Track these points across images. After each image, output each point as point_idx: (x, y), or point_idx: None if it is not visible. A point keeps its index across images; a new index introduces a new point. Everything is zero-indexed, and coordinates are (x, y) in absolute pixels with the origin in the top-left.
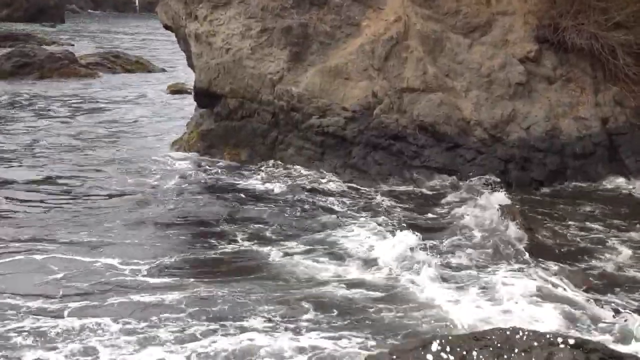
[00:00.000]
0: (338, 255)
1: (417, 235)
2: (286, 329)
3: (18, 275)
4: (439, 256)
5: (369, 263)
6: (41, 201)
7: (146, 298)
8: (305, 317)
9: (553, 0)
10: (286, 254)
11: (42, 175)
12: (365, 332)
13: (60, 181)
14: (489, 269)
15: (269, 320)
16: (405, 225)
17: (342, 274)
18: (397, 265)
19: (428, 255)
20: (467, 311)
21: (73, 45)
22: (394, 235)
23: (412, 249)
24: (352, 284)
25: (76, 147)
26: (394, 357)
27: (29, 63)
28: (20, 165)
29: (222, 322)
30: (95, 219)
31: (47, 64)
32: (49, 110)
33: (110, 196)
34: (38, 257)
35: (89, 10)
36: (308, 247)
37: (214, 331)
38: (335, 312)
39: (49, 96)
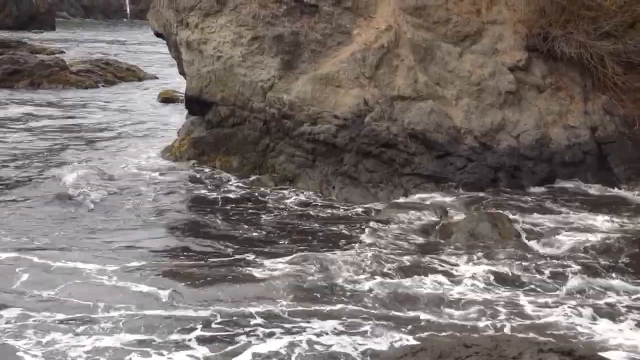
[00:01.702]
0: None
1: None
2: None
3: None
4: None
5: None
6: (28, 207)
7: (144, 311)
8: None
9: (542, 10)
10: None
11: (27, 181)
12: None
13: (41, 185)
14: None
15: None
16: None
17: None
18: None
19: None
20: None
21: (64, 52)
22: None
23: None
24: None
25: (63, 153)
26: None
27: (19, 70)
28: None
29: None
30: (77, 226)
31: (38, 71)
32: (37, 117)
33: (97, 203)
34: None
35: (80, 18)
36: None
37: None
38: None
39: (37, 103)
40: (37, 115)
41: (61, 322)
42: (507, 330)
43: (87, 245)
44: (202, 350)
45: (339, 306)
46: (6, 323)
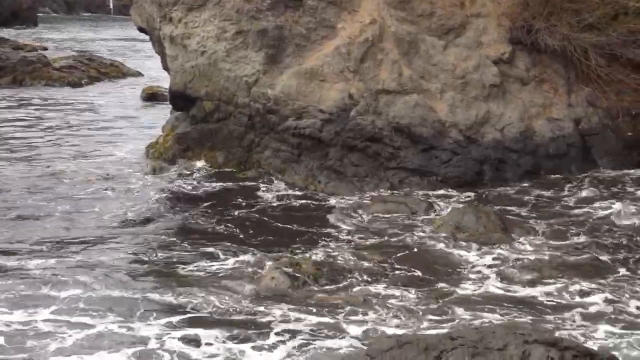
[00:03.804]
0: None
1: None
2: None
3: None
4: None
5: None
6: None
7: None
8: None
9: (526, 2)
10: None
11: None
12: None
13: (21, 185)
14: None
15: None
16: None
17: None
18: None
19: None
20: None
21: (46, 49)
22: None
23: None
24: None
25: (44, 146)
26: (370, 357)
27: (1, 67)
28: None
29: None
30: (53, 224)
31: (20, 67)
32: (18, 115)
33: (77, 201)
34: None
35: (63, 14)
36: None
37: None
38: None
39: (19, 100)
40: (18, 113)
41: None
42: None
43: (69, 245)
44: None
45: (324, 302)
46: None
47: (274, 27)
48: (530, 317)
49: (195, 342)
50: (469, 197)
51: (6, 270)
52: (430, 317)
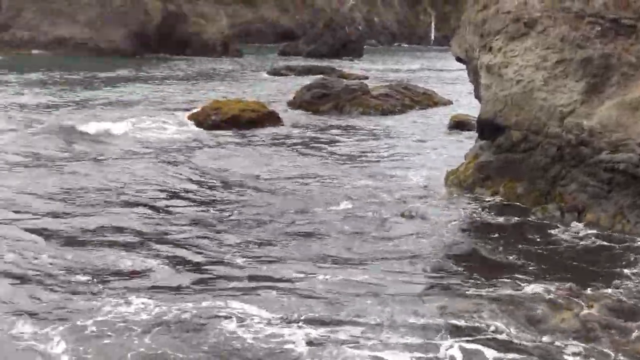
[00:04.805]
0: None
1: None
2: None
3: None
4: None
5: None
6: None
7: None
8: None
9: None
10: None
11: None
12: None
13: (310, 203)
14: None
15: None
16: None
17: None
18: None
19: None
20: None
21: (367, 78)
22: None
23: None
24: None
25: (340, 167)
26: None
27: (326, 94)
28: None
29: None
30: (337, 244)
31: (343, 95)
32: (329, 138)
33: (363, 223)
34: None
35: (387, 45)
36: None
37: None
38: None
39: (334, 124)
40: (329, 136)
41: None
42: None
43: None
44: None
45: None
46: None
47: (600, 55)
48: None
49: None
50: None
51: (291, 288)
52: None
